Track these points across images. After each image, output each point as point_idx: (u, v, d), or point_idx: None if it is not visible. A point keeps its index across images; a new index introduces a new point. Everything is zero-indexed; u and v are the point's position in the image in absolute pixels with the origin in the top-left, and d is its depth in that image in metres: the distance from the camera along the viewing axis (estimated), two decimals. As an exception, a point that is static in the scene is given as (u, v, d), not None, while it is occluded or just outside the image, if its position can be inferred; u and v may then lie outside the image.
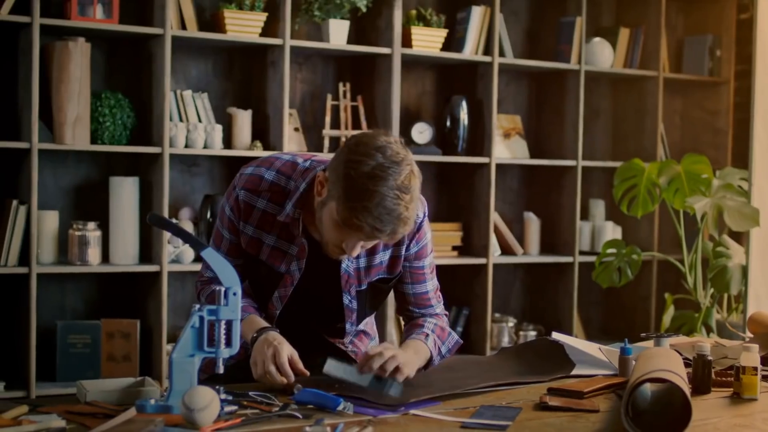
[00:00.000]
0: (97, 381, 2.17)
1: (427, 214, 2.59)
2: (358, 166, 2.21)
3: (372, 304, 2.62)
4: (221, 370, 2.09)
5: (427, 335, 2.51)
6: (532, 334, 5.27)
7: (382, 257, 2.52)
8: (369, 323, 2.76)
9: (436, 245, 5.06)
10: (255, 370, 2.27)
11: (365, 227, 2.21)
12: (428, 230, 2.59)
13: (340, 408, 2.04)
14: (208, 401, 1.87)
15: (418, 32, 4.89)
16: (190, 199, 4.65)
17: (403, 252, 2.53)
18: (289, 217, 2.41)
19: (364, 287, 2.53)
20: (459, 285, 5.22)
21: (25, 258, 4.15)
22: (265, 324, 2.39)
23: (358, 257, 2.47)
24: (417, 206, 2.32)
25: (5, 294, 4.35)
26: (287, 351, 2.26)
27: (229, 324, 2.06)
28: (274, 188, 2.44)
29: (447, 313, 2.67)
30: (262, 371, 2.24)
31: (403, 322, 2.72)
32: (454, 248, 5.15)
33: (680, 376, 2.04)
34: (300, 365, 2.26)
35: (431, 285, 2.61)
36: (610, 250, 5.02)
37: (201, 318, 2.04)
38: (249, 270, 2.50)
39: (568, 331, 5.23)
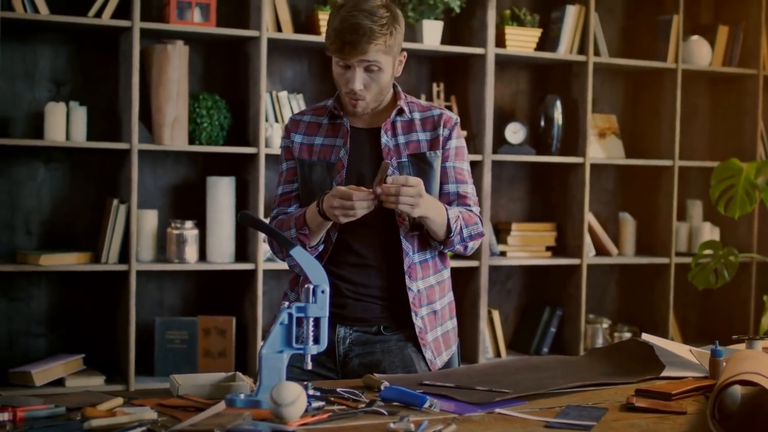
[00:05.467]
0: (189, 375, 2.22)
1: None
2: (337, 9, 2.66)
3: None
4: (309, 366, 2.13)
5: (448, 209, 2.70)
6: (626, 335, 5.21)
7: (421, 136, 2.77)
8: (444, 304, 2.80)
9: (530, 245, 5.05)
10: (338, 213, 2.54)
11: (338, 43, 2.60)
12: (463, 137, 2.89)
13: (426, 406, 2.06)
14: (296, 396, 1.90)
15: (512, 32, 4.88)
16: (285, 198, 4.71)
17: (441, 134, 2.76)
18: (330, 108, 2.78)
19: (404, 159, 2.73)
20: (553, 285, 5.20)
21: (125, 256, 4.26)
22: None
23: (395, 134, 2.75)
24: (394, 29, 2.65)
25: (106, 290, 4.47)
26: (340, 188, 2.55)
27: (317, 321, 2.10)
28: (316, 108, 2.87)
29: (481, 218, 2.84)
30: (341, 209, 2.53)
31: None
32: (548, 248, 5.13)
33: (770, 379, 2.01)
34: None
35: (471, 188, 2.84)
36: (706, 251, 4.94)
37: (290, 315, 2.08)
38: (305, 183, 2.77)
39: (664, 333, 5.17)
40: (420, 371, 2.64)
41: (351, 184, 2.64)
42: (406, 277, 2.71)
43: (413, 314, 2.72)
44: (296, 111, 4.57)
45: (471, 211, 2.78)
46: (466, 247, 2.76)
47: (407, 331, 2.74)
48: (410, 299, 2.71)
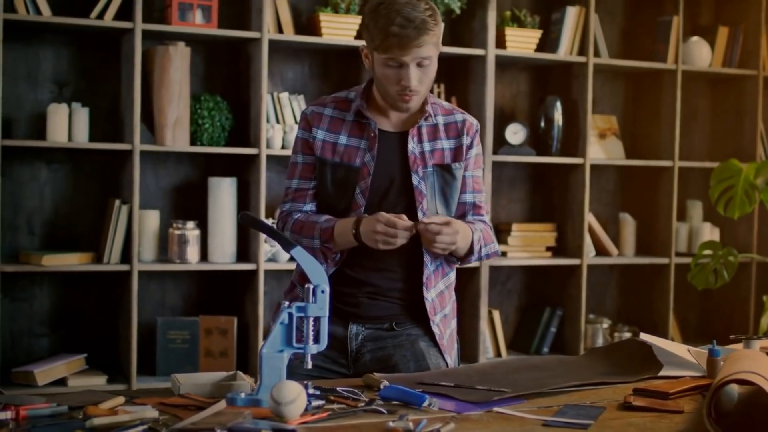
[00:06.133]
0: (190, 374, 2.23)
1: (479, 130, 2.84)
2: (373, 9, 2.59)
3: (441, 192, 2.74)
4: (309, 366, 2.15)
5: (474, 230, 2.70)
6: (627, 335, 5.23)
7: (445, 144, 2.75)
8: (452, 307, 2.83)
9: (531, 246, 5.07)
10: (379, 239, 2.54)
11: (395, 40, 2.53)
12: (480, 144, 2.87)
13: (425, 404, 2.08)
14: (296, 395, 1.91)
15: (512, 33, 4.90)
16: (286, 199, 4.73)
17: (464, 143, 2.75)
18: (357, 108, 2.70)
19: (429, 169, 2.71)
20: (553, 286, 5.22)
21: (126, 256, 4.28)
22: (353, 218, 2.61)
23: (421, 140, 2.71)
24: (438, 21, 2.62)
25: (108, 291, 4.49)
26: (386, 215, 2.52)
27: (317, 320, 2.11)
28: (338, 99, 2.76)
29: (493, 230, 2.87)
30: (381, 234, 2.51)
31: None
32: (548, 249, 5.15)
33: (766, 378, 2.02)
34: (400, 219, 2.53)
35: (484, 196, 2.86)
36: (705, 252, 4.95)
37: (290, 315, 2.10)
38: (325, 183, 2.71)
39: (664, 333, 5.19)
40: (431, 365, 2.66)
41: (375, 191, 2.65)
42: (424, 288, 2.72)
43: (431, 322, 2.74)
44: (297, 112, 4.60)
45: (485, 222, 2.80)
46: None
47: (420, 325, 2.76)
48: (427, 309, 2.73)
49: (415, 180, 2.69)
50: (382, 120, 2.72)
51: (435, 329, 2.74)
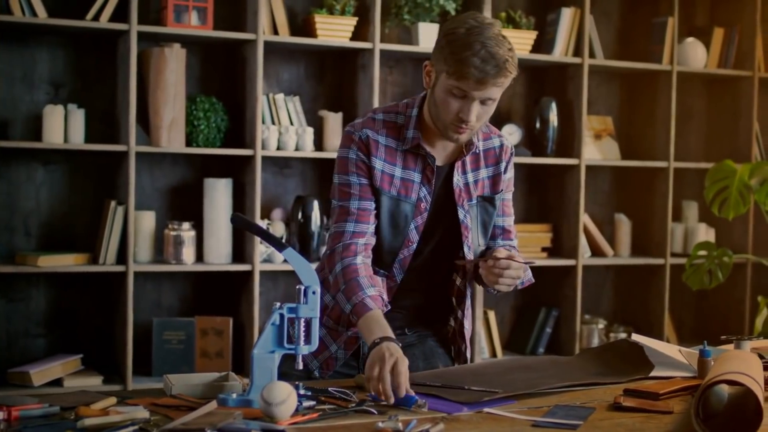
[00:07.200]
0: (182, 375, 2.24)
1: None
2: (455, 31, 2.42)
3: (482, 224, 2.69)
4: (300, 366, 2.15)
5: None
6: (622, 336, 5.23)
7: (485, 173, 2.66)
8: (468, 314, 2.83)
9: (526, 246, 5.07)
10: (371, 371, 2.20)
11: (473, 72, 2.37)
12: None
13: (415, 406, 2.09)
14: (286, 396, 1.93)
15: (507, 34, 4.85)
16: (282, 200, 4.75)
17: (502, 171, 2.68)
18: (414, 140, 2.57)
19: (474, 201, 2.65)
20: (548, 286, 5.22)
21: (122, 257, 4.29)
22: (389, 331, 2.35)
23: (465, 172, 2.62)
24: (516, 66, 2.45)
25: (104, 291, 4.50)
26: (404, 366, 2.19)
27: (308, 322, 2.12)
28: (388, 125, 2.60)
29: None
30: (378, 375, 2.18)
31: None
32: (544, 249, 5.16)
33: (754, 379, 2.03)
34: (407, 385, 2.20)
35: (513, 219, 2.80)
36: (700, 252, 4.97)
37: (281, 316, 2.10)
38: (379, 215, 2.58)
39: (659, 334, 5.20)
40: (441, 363, 2.67)
41: (430, 226, 2.60)
42: (465, 319, 2.73)
43: (462, 346, 2.74)
44: (292, 113, 4.60)
45: (516, 248, 2.74)
46: None
47: (431, 326, 2.76)
48: (465, 336, 2.73)
49: (461, 214, 2.62)
50: (432, 151, 2.59)
51: (466, 350, 2.75)
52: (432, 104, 2.52)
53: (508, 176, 2.72)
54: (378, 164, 2.56)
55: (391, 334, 2.33)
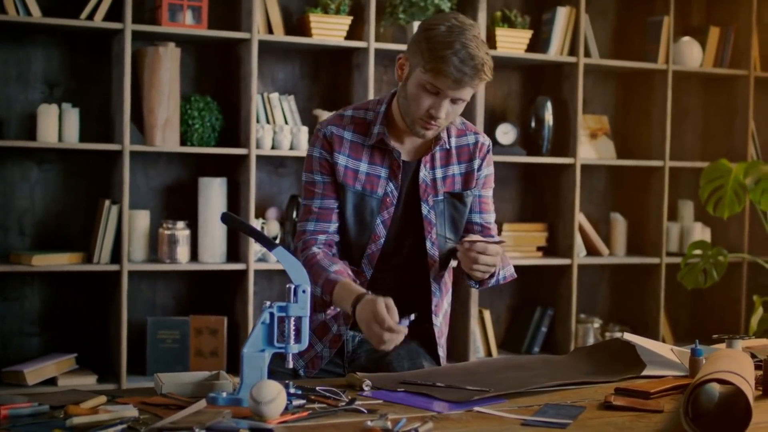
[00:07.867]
0: (173, 374, 2.23)
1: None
2: (435, 29, 2.44)
3: (451, 220, 2.68)
4: (291, 365, 2.15)
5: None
6: (618, 335, 5.18)
7: (456, 170, 2.67)
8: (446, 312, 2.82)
9: (521, 245, 5.07)
10: (369, 331, 2.35)
11: (452, 72, 2.40)
12: (492, 162, 2.77)
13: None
14: (275, 394, 1.92)
15: (502, 33, 4.91)
16: (276, 199, 4.75)
17: (475, 168, 2.68)
18: (379, 136, 2.59)
19: (440, 198, 2.65)
20: (543, 286, 5.22)
21: (116, 256, 4.29)
22: (360, 290, 2.45)
23: (434, 167, 2.63)
24: (491, 72, 2.47)
25: (98, 290, 4.50)
26: (390, 304, 2.34)
27: (298, 320, 2.12)
28: (356, 121, 2.64)
29: None
30: (377, 330, 2.32)
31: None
32: (539, 249, 5.15)
33: (744, 378, 2.03)
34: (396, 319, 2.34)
35: (493, 216, 2.78)
36: (695, 252, 4.96)
37: (271, 314, 2.10)
38: (344, 210, 2.62)
39: (655, 333, 5.20)
40: (425, 363, 2.66)
41: (396, 221, 2.61)
42: (433, 315, 2.71)
43: (439, 348, 2.73)
44: (287, 112, 4.60)
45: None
46: None
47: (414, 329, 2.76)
48: (436, 334, 2.72)
49: (424, 209, 2.63)
50: (399, 146, 2.63)
51: (440, 351, 2.74)
52: (402, 97, 2.54)
53: (485, 173, 2.72)
54: (341, 160, 2.60)
55: (362, 290, 2.43)
